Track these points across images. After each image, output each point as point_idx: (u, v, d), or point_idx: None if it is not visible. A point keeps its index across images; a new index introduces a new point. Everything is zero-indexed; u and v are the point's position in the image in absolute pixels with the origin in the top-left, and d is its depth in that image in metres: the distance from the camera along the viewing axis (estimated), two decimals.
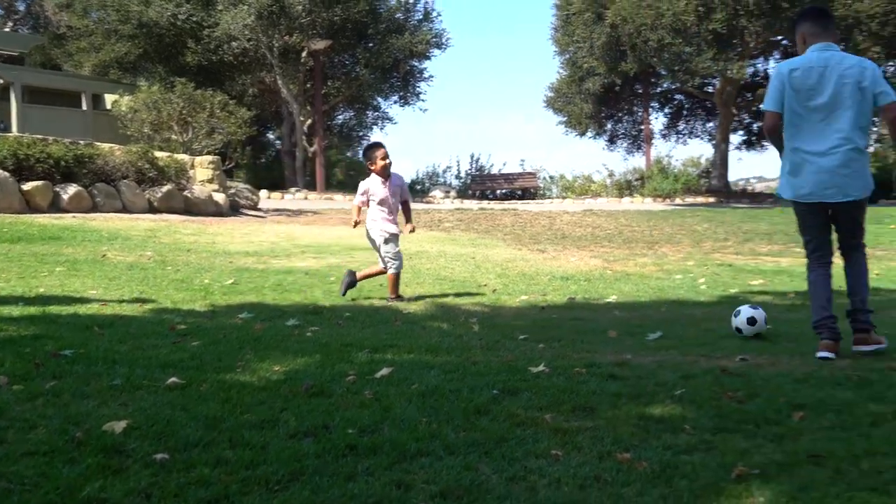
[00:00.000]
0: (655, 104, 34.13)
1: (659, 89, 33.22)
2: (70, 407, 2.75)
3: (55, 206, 13.27)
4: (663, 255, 11.88)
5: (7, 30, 34.09)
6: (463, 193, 32.89)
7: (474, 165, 35.96)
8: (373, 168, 6.64)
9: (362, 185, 6.73)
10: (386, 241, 6.64)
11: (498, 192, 33.80)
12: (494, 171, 35.66)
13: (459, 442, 2.51)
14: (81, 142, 15.53)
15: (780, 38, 26.93)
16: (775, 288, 7.83)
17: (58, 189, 13.38)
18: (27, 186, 12.88)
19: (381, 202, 6.64)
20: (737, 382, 3.38)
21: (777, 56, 29.39)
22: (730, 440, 2.59)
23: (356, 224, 6.80)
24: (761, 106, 4.35)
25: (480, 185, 33.93)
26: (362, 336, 4.63)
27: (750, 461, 2.37)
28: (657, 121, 35.28)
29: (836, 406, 2.98)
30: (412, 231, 6.96)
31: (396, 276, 6.66)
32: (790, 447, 2.52)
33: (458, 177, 36.04)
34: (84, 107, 25.17)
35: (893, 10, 23.26)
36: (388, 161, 6.60)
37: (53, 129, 18.84)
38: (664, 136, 34.92)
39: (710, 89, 30.68)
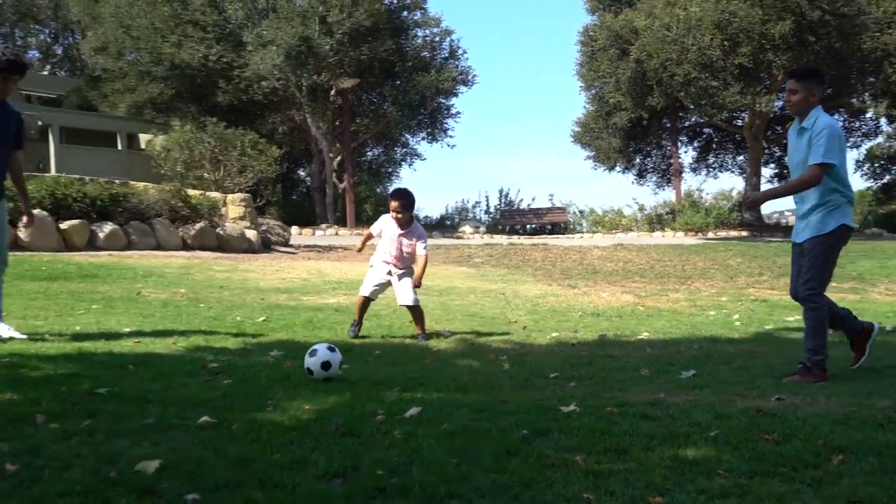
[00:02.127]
0: (684, 138, 34.06)
1: (687, 123, 33.16)
2: (104, 446, 2.78)
3: (91, 245, 13.52)
4: (696, 290, 11.77)
5: (45, 73, 35.05)
6: (492, 228, 32.95)
7: (503, 200, 36.09)
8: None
9: (381, 220, 6.71)
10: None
11: (527, 226, 33.84)
12: (523, 206, 35.76)
13: (489, 484, 2.49)
14: (117, 181, 15.86)
15: None
16: None
17: (94, 227, 13.64)
18: (64, 225, 13.15)
19: (387, 243, 6.59)
20: (773, 423, 3.32)
21: None
22: (766, 484, 2.53)
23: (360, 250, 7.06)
24: (827, 159, 4.49)
25: (510, 220, 33.99)
26: (392, 374, 4.62)
27: None
28: (686, 154, 35.22)
29: (878, 449, 2.91)
30: (417, 286, 6.75)
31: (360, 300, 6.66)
32: (829, 492, 2.46)
33: (487, 212, 36.18)
34: (119, 147, 25.74)
35: None
36: (397, 215, 6.45)
37: (90, 169, 19.30)
38: (694, 170, 34.81)
39: (740, 122, 30.57)
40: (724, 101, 24.92)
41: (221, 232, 15.91)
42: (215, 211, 16.26)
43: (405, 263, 6.64)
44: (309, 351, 4.42)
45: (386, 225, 6.61)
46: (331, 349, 4.42)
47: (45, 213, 12.90)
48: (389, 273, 6.63)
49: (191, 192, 16.49)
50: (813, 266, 4.63)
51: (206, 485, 2.38)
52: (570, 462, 2.72)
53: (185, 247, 15.08)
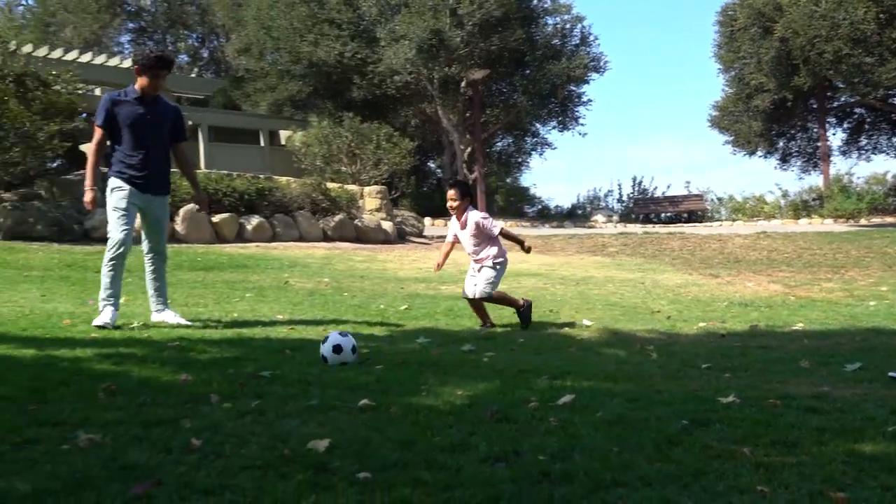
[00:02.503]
0: (833, 119, 32.04)
1: (836, 103, 31.17)
2: (274, 425, 2.92)
3: (240, 237, 14.25)
4: (851, 279, 11.09)
5: (193, 75, 37.19)
6: (625, 217, 32.26)
7: (637, 188, 35.24)
8: None
9: (450, 226, 6.73)
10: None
11: (662, 215, 32.92)
12: (657, 193, 34.77)
13: (654, 473, 2.44)
14: (261, 176, 16.62)
15: None
16: None
17: (242, 220, 14.37)
18: (216, 219, 13.92)
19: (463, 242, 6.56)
20: None
21: None
22: None
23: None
24: None
25: (644, 208, 33.16)
26: (537, 362, 4.62)
27: None
28: (835, 137, 33.19)
29: None
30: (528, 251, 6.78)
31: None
32: None
33: (619, 200, 35.43)
34: (262, 143, 26.94)
35: None
36: (452, 204, 6.45)
37: (235, 165, 20.30)
38: (844, 153, 32.67)
39: None
40: (880, 78, 23.31)
41: (359, 223, 16.38)
42: (353, 203, 16.75)
43: (481, 254, 6.48)
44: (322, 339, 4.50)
45: (453, 227, 6.60)
46: (342, 334, 4.45)
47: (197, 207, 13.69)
48: (475, 272, 6.54)
49: (330, 185, 17.06)
50: None
51: (375, 464, 2.46)
52: (737, 454, 2.63)
53: (326, 238, 15.63)
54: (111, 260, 5.43)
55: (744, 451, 2.66)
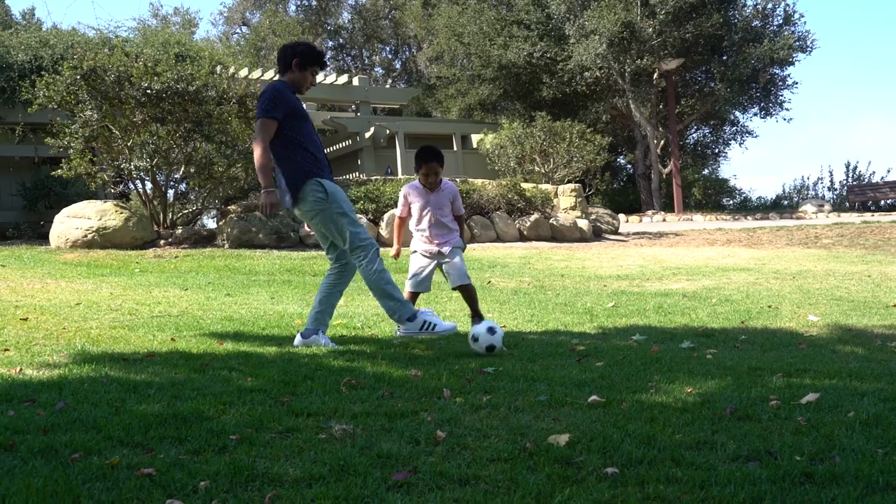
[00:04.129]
0: None
1: None
2: (510, 419, 2.97)
3: None
4: None
5: (388, 86, 38.81)
6: (839, 206, 29.89)
7: (851, 175, 32.55)
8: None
9: (402, 195, 5.67)
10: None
11: (882, 202, 30.16)
12: (876, 178, 31.91)
13: None
14: (458, 179, 17.01)
15: None
16: None
17: None
18: None
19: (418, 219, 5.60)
20: None
21: None
22: None
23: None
24: None
25: (860, 195, 30.54)
26: (767, 359, 4.38)
27: None
28: None
29: None
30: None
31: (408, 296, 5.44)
32: None
33: (831, 188, 32.90)
34: (454, 147, 27.59)
35: None
36: (426, 178, 5.49)
37: None
38: None
39: None
40: None
41: (554, 222, 16.34)
42: (548, 202, 16.73)
43: (447, 236, 5.54)
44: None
45: (411, 197, 5.57)
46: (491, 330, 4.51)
47: None
48: (432, 255, 5.54)
49: (524, 185, 17.15)
50: None
51: (620, 460, 2.43)
52: None
53: (522, 238, 15.73)
54: (379, 269, 4.73)
55: None
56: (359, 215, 13.79)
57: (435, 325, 4.83)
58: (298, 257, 11.98)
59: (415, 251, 5.59)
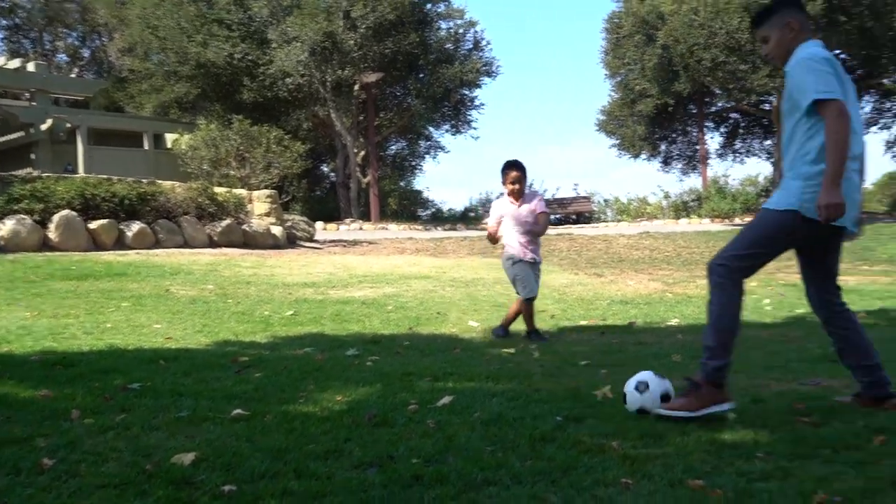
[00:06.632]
0: (710, 123, 33.66)
1: (714, 108, 32.77)
2: (140, 439, 2.79)
3: (120, 243, 13.65)
4: None
5: (73, 76, 35.47)
6: None
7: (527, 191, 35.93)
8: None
9: (494, 207, 6.11)
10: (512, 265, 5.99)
11: (552, 217, 33.71)
12: (548, 196, 35.60)
13: (526, 471, 2.47)
14: (144, 180, 15.98)
15: (837, 51, 26.37)
16: None
17: (122, 227, 13.77)
18: (93, 225, 13.29)
19: (512, 227, 5.97)
20: (810, 406, 3.26)
21: None
22: (807, 466, 2.49)
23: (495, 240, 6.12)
24: (822, 95, 3.04)
25: None
26: (422, 364, 4.61)
27: (829, 488, 2.28)
28: (713, 140, 34.82)
29: None
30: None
31: (525, 303, 5.92)
32: (872, 473, 2.41)
33: None
34: (146, 146, 25.99)
35: None
36: (514, 187, 5.90)
37: (117, 169, 19.49)
38: (720, 156, 34.43)
39: (767, 106, 30.15)
40: (753, 84, 24.61)
41: (247, 228, 15.99)
42: (241, 208, 16.34)
43: (534, 243, 5.99)
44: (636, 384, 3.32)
45: (502, 208, 5.99)
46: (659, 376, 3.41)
47: (74, 213, 13.04)
48: (534, 261, 5.97)
49: (217, 189, 16.58)
50: None
51: (243, 476, 2.38)
52: (607, 447, 2.70)
53: (212, 244, 15.17)
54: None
55: (613, 444, 2.73)
56: (22, 216, 12.44)
57: None
58: None
59: (516, 259, 5.92)
